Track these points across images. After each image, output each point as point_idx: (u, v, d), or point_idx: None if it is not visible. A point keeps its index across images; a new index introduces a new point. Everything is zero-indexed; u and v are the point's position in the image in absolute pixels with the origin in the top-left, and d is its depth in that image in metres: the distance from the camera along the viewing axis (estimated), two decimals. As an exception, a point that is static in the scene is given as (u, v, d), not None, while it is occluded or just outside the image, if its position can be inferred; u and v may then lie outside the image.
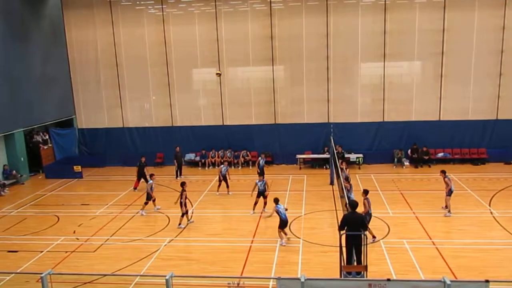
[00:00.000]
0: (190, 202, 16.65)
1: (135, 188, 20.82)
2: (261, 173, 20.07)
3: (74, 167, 23.49)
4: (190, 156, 25.22)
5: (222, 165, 20.14)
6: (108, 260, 13.30)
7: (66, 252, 13.96)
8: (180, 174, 22.91)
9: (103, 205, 18.77)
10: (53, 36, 25.13)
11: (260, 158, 21.36)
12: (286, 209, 14.63)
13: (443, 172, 16.40)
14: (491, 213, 16.11)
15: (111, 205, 18.78)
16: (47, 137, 25.48)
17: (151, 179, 17.95)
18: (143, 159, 21.01)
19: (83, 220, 16.95)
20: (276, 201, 14.41)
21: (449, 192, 15.95)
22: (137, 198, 19.66)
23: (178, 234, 15.23)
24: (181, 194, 15.76)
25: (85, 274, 11.68)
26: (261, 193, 16.81)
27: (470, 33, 22.96)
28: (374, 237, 13.70)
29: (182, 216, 15.77)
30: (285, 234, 14.11)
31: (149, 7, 24.90)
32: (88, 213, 17.75)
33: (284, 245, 13.71)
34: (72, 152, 26.30)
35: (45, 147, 25.07)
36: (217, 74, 22.25)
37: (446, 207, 16.05)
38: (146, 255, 13.47)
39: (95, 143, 26.40)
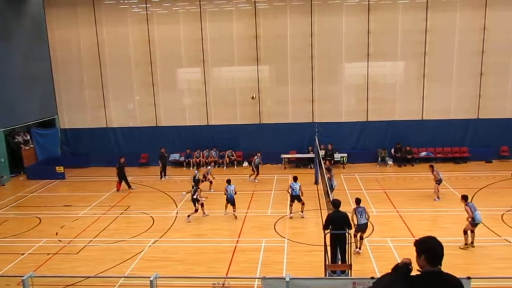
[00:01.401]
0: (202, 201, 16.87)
1: (118, 190, 20.62)
2: (256, 171, 21.25)
3: (57, 167, 23.18)
4: (175, 156, 25.08)
5: (209, 166, 20.45)
6: (92, 262, 13.16)
7: (48, 254, 13.76)
8: (165, 175, 22.77)
9: (86, 206, 18.56)
10: (35, 35, 24.76)
11: (256, 157, 21.63)
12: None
13: (431, 166, 18.07)
14: (473, 211, 16.35)
15: (95, 206, 18.58)
16: (28, 137, 25.06)
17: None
18: (122, 160, 20.80)
19: (65, 221, 16.73)
20: (228, 181, 16.72)
21: (439, 182, 17.62)
22: (121, 199, 19.50)
23: (163, 235, 15.15)
24: (195, 191, 16.31)
25: (68, 277, 11.55)
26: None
27: (452, 33, 23.28)
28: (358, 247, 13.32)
29: (196, 211, 16.26)
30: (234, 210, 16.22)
31: (133, 6, 24.70)
32: (71, 215, 17.53)
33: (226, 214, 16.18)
34: (55, 152, 25.91)
35: (27, 147, 24.67)
36: (252, 97, 23.23)
37: (438, 196, 17.54)
38: (130, 257, 13.36)
39: (78, 144, 26.08)
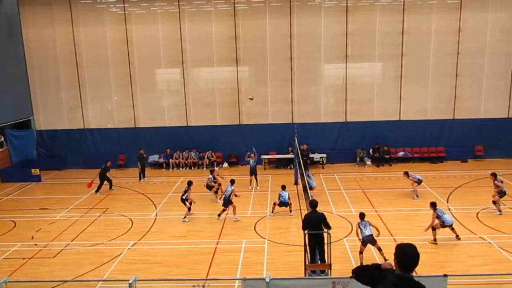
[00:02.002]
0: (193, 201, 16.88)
1: (97, 191, 20.34)
2: (252, 173, 20.60)
3: (32, 170, 22.71)
4: (154, 157, 24.86)
5: (216, 168, 20.74)
6: (69, 265, 12.94)
7: (24, 258, 13.47)
8: (144, 176, 22.56)
9: (63, 209, 18.24)
10: (8, 34, 24.18)
11: (250, 159, 21.05)
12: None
13: (406, 173, 18.62)
14: (449, 209, 16.65)
15: (72, 209, 18.28)
16: (2, 139, 24.47)
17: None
18: (108, 163, 20.62)
19: (42, 225, 16.41)
20: (232, 181, 16.87)
21: (419, 182, 18.20)
22: (99, 201, 19.24)
23: (142, 237, 15.00)
24: (185, 192, 16.51)
25: (44, 281, 11.33)
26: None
27: (428, 35, 23.68)
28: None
29: (189, 210, 16.46)
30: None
31: (111, 5, 24.38)
32: (47, 218, 17.19)
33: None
34: (30, 154, 25.37)
35: (1, 149, 24.10)
36: (250, 98, 22.39)
37: (416, 195, 18.07)
38: (108, 259, 13.19)
39: (54, 145, 25.58)
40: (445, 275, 7.85)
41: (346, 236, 14.41)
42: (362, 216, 12.85)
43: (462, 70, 23.85)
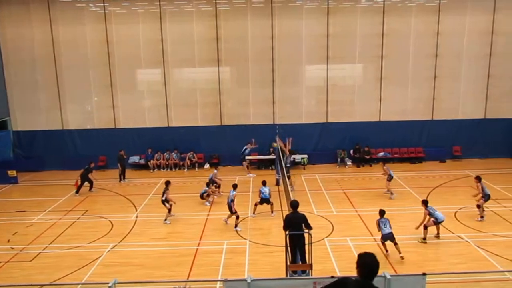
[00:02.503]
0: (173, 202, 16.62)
1: (77, 192, 20.06)
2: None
3: (9, 172, 22.24)
4: (134, 158, 24.62)
5: (215, 170, 20.15)
6: (47, 269, 12.70)
7: None
8: (124, 178, 22.33)
9: (41, 211, 17.92)
10: (-16, 34, 23.70)
11: (246, 147, 21.46)
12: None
13: (383, 163, 19.51)
14: (428, 209, 16.91)
15: (50, 211, 17.98)
16: (-22, 140, 23.99)
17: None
18: (92, 165, 20.41)
19: (18, 228, 16.09)
20: (234, 186, 16.38)
21: (389, 178, 18.39)
22: (78, 203, 18.97)
23: (122, 239, 14.84)
24: (164, 192, 16.30)
25: (21, 285, 11.11)
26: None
27: (408, 37, 24.00)
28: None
29: (169, 211, 16.27)
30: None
31: (90, 4, 24.06)
32: (25, 220, 16.88)
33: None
34: (6, 156, 24.81)
35: (-23, 151, 23.61)
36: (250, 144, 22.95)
37: (391, 193, 18.33)
38: (88, 262, 13.00)
39: (32, 146, 25.09)
40: (424, 274, 7.96)
41: (327, 236, 14.50)
42: (382, 213, 13.16)
43: (440, 72, 24.24)
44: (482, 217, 15.54)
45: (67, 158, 24.16)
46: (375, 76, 24.48)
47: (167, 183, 16.70)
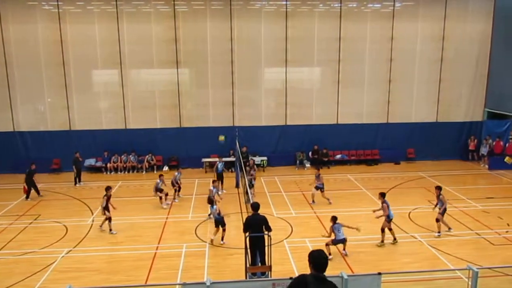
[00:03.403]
0: (113, 207, 15.67)
1: (27, 197, 19.33)
2: (219, 178, 19.82)
3: (-45, 175, 21.19)
4: (90, 161, 24.00)
5: (176, 173, 19.34)
6: (-3, 276, 12.19)
7: None
8: (80, 181, 21.72)
9: (-9, 216, 17.16)
10: None
11: (218, 161, 20.45)
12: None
13: (318, 169, 18.96)
14: (384, 210, 17.39)
15: (0, 216, 17.23)
16: None
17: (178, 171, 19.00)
18: (33, 167, 19.63)
19: (-34, 234, 15.35)
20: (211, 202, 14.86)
21: (317, 187, 18.15)
22: (30, 207, 18.28)
23: (77, 244, 14.41)
24: (104, 198, 15.28)
25: (-31, 294, 10.60)
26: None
27: (363, 42, 24.62)
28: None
29: (108, 220, 15.26)
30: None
31: (43, 3, 23.26)
32: (-27, 226, 16.11)
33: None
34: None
35: None
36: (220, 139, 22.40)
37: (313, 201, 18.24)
38: (41, 268, 12.55)
39: (-20, 149, 23.99)
40: (379, 273, 8.17)
41: (286, 238, 14.64)
42: (335, 219, 13.10)
43: (395, 76, 25.01)
44: (439, 232, 14.56)
45: (18, 161, 23.17)
46: (333, 80, 24.95)
47: (107, 189, 15.53)
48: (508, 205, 17.85)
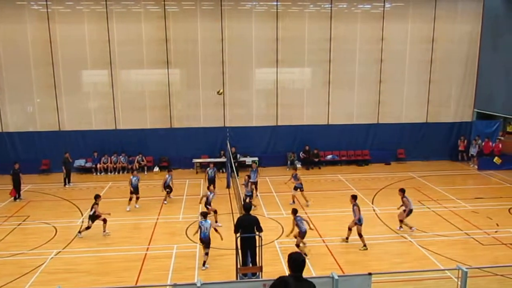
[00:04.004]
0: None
1: (15, 198, 19.12)
2: (211, 182, 18.95)
3: None
4: (80, 162, 23.82)
5: (167, 175, 18.93)
6: (-16, 279, 12.03)
7: None
8: (69, 182, 21.54)
9: (-22, 218, 16.94)
10: None
11: (208, 169, 19.68)
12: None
13: (294, 175, 18.40)
14: (374, 210, 17.48)
15: (-12, 218, 17.04)
16: None
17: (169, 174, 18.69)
18: (16, 166, 19.41)
19: (-47, 236, 15.14)
20: (204, 214, 13.32)
21: (295, 188, 18.10)
22: (18, 208, 18.09)
23: (67, 245, 14.29)
24: (92, 207, 14.92)
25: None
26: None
27: (354, 42, 24.73)
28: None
29: (103, 221, 15.03)
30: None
31: (32, 3, 23.06)
32: (-40, 228, 15.89)
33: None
34: None
35: None
36: (218, 92, 21.81)
37: (294, 202, 18.13)
38: (29, 270, 12.42)
39: (-33, 150, 23.69)
40: (370, 274, 8.19)
41: (277, 239, 14.64)
42: (295, 211, 13.36)
43: (385, 76, 25.15)
44: (412, 228, 14.93)
45: (6, 162, 22.80)
46: (323, 80, 25.01)
47: (96, 197, 15.26)
48: (497, 205, 18.02)
